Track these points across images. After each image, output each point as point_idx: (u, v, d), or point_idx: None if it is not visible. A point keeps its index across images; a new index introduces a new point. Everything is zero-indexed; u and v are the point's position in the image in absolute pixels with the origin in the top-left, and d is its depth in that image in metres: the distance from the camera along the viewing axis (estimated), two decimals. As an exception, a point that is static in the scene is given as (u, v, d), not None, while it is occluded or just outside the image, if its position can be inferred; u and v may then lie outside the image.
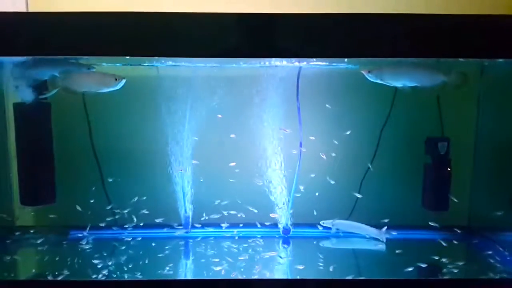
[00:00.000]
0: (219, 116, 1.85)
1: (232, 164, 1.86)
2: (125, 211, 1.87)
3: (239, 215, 1.87)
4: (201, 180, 1.88)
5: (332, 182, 1.84)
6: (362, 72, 1.65)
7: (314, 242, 1.84)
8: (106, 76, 1.67)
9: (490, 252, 1.74)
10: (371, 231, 1.86)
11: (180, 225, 1.91)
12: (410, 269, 1.58)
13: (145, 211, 1.85)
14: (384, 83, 1.64)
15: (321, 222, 1.89)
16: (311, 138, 1.87)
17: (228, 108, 1.86)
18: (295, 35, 1.37)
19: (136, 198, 1.86)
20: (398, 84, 1.66)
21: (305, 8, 1.88)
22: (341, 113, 1.91)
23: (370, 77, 1.64)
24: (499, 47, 1.37)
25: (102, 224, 1.85)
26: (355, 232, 1.88)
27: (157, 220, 1.86)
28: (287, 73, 1.81)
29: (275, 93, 1.82)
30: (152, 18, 1.35)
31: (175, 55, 1.44)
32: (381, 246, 1.81)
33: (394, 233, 1.82)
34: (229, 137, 1.87)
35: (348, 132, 1.85)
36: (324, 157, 1.85)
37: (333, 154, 1.87)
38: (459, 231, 1.88)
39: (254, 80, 1.82)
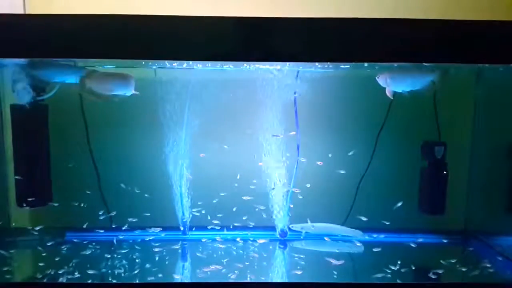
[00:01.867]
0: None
1: (238, 177, 1.87)
2: (122, 213, 1.86)
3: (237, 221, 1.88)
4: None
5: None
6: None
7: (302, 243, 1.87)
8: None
9: (486, 256, 1.75)
10: (346, 231, 1.87)
11: (178, 228, 1.90)
12: (405, 272, 1.58)
13: (144, 214, 1.85)
14: (389, 87, 1.65)
15: (290, 226, 1.89)
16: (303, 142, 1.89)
17: (226, 110, 1.86)
18: (293, 39, 1.37)
19: (133, 201, 1.86)
20: (398, 89, 1.66)
21: (304, 12, 1.88)
22: (338, 117, 1.92)
23: (380, 82, 1.66)
24: (495, 53, 1.37)
25: (99, 226, 1.85)
26: (330, 234, 1.88)
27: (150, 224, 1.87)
28: (285, 77, 1.82)
29: (273, 97, 1.82)
30: (150, 21, 1.35)
31: (172, 58, 1.44)
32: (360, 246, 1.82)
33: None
34: (228, 139, 1.87)
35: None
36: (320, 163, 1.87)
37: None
38: (455, 235, 1.89)
39: (253, 83, 1.82)
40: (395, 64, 1.58)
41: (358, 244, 1.83)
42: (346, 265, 1.67)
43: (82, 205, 1.85)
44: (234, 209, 1.87)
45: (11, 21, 1.36)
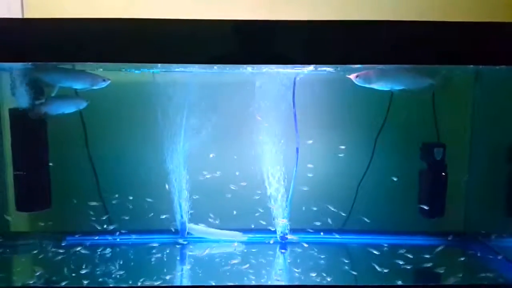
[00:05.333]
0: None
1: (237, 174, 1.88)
2: (120, 217, 1.86)
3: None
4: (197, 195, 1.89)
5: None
6: (349, 77, 1.63)
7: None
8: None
9: (485, 258, 1.75)
10: (228, 234, 1.87)
11: (176, 230, 1.90)
12: (406, 274, 1.58)
13: (141, 216, 1.86)
14: (372, 87, 1.64)
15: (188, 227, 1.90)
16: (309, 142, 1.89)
17: (225, 114, 1.87)
18: (291, 42, 1.37)
19: (131, 204, 1.86)
20: (386, 87, 1.65)
21: (302, 15, 1.89)
22: (336, 119, 1.92)
23: (358, 82, 1.63)
24: (493, 54, 1.37)
25: (98, 230, 1.86)
26: (212, 238, 1.88)
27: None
28: (283, 79, 1.82)
29: (272, 99, 1.82)
30: (148, 24, 1.35)
31: (171, 62, 1.44)
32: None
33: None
34: (226, 142, 1.87)
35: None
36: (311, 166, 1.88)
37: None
38: (454, 237, 1.89)
39: (252, 86, 1.83)
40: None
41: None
42: (345, 268, 1.68)
43: (81, 209, 1.85)
44: (234, 213, 1.87)
45: (9, 25, 1.36)
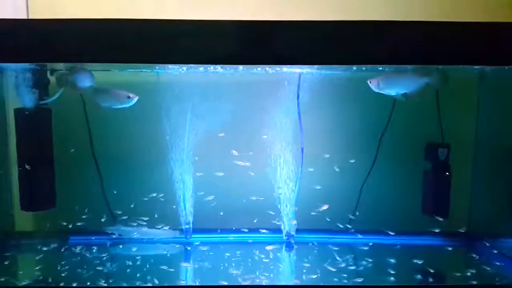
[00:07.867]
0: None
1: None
2: (125, 216, 1.88)
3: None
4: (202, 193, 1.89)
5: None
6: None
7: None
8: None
9: (490, 258, 1.74)
10: (160, 233, 1.88)
11: (181, 230, 1.91)
12: (409, 275, 1.58)
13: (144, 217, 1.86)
14: (381, 92, 1.65)
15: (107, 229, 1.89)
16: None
17: (228, 114, 1.87)
18: (294, 42, 1.37)
19: (135, 203, 1.87)
20: (392, 92, 1.65)
21: (305, 15, 1.89)
22: (341, 119, 1.92)
23: (371, 86, 1.65)
24: (497, 54, 1.37)
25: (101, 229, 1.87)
26: (146, 237, 1.88)
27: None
28: (287, 79, 1.82)
29: (276, 99, 1.83)
30: (152, 25, 1.36)
31: (175, 62, 1.45)
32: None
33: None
34: (230, 141, 1.88)
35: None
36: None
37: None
38: (459, 237, 1.89)
39: (255, 86, 1.83)
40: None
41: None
42: (347, 268, 1.68)
43: (85, 209, 1.85)
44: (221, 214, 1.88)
45: (14, 26, 1.36)
